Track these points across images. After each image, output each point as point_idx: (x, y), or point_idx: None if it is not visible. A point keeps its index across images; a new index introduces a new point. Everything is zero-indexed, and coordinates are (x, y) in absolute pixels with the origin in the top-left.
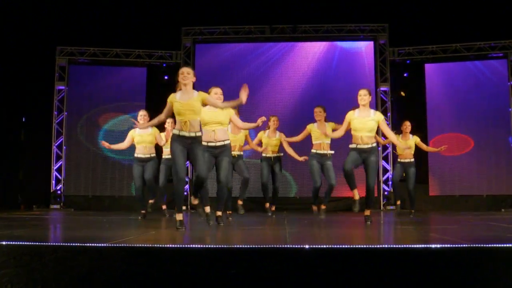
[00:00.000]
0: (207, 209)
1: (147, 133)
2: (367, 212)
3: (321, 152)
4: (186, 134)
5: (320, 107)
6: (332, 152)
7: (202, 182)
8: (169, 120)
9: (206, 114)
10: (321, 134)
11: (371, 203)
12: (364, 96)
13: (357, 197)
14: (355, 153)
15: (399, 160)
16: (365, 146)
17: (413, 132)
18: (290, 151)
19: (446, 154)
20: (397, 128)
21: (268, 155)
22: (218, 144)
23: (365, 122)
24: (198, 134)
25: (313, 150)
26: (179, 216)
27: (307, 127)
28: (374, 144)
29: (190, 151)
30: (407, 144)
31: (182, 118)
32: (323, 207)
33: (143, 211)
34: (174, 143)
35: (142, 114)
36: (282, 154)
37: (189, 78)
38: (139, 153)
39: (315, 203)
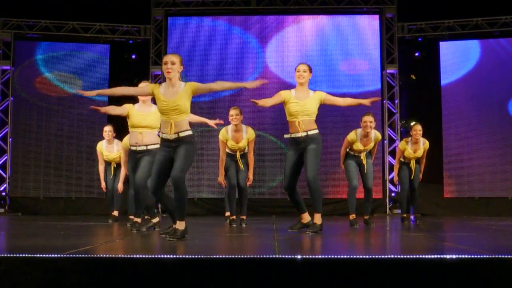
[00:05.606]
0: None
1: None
2: (317, 219)
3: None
4: (169, 137)
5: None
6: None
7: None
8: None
9: (134, 117)
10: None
11: (318, 205)
12: (303, 73)
13: (306, 220)
14: (291, 151)
15: (402, 160)
16: (302, 134)
17: (426, 127)
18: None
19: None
20: (406, 133)
21: (232, 152)
22: (140, 148)
23: (304, 103)
24: (183, 134)
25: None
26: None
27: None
28: (316, 131)
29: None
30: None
31: (166, 119)
32: (365, 217)
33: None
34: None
35: (107, 130)
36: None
37: (174, 69)
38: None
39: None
